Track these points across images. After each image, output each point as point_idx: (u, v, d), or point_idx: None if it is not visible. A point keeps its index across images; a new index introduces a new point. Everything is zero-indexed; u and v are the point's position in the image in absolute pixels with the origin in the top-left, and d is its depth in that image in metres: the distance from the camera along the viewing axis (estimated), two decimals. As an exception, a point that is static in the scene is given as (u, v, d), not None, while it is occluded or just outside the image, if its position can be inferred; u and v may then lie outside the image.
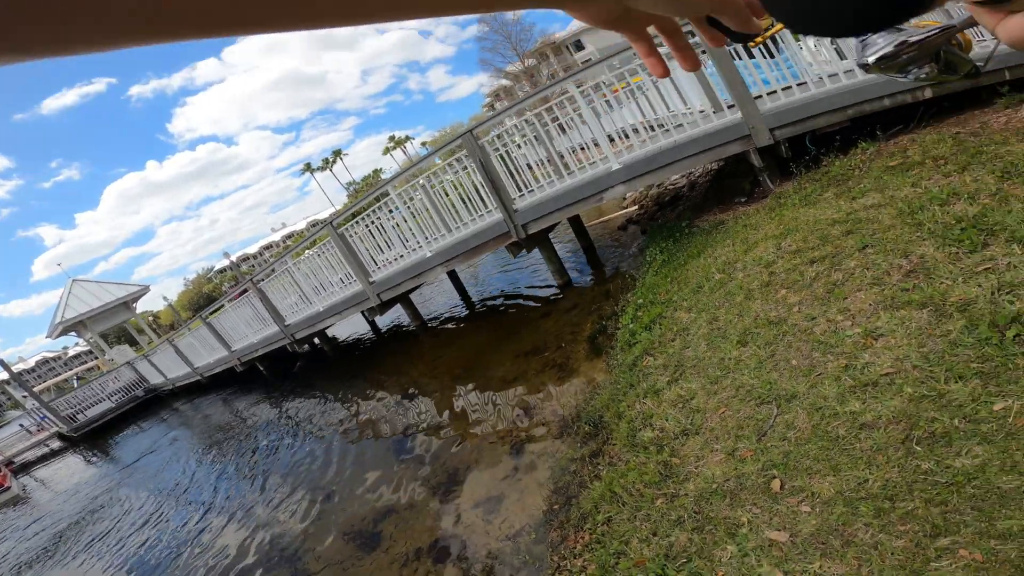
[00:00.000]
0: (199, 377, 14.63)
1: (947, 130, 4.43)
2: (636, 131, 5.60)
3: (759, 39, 0.82)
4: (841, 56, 5.37)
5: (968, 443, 1.73)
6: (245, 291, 10.41)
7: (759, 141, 4.78)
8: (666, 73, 0.48)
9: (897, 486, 1.72)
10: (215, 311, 11.86)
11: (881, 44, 0.54)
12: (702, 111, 5.37)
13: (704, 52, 4.93)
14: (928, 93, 4.62)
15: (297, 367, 11.93)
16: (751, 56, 5.15)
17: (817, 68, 5.12)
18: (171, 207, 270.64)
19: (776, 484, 2.02)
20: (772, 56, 5.26)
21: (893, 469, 1.78)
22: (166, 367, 16.67)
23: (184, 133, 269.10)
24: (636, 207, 8.96)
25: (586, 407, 3.97)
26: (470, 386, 5.83)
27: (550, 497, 3.22)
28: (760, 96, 4.81)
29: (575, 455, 3.45)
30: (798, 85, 4.84)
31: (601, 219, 10.07)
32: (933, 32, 0.52)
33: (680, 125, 5.29)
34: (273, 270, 9.62)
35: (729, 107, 4.98)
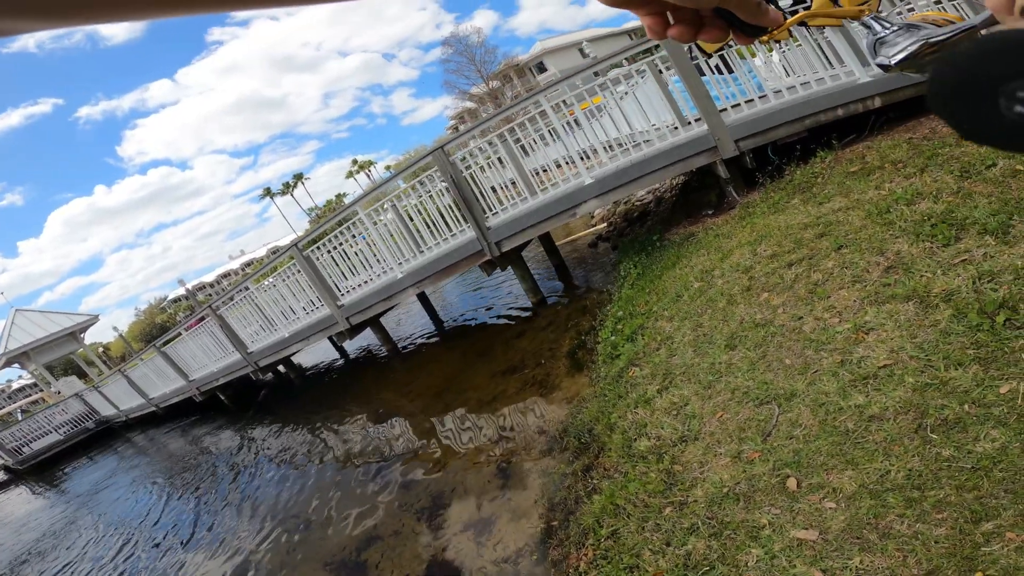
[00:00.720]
0: (154, 408, 14.03)
1: (900, 136, 4.65)
2: (606, 148, 5.67)
3: (774, 33, 0.77)
4: (788, 72, 5.64)
5: (983, 427, 1.72)
6: (203, 318, 9.98)
7: (725, 152, 4.90)
8: (694, 37, 0.44)
9: (922, 475, 1.69)
10: (171, 340, 11.38)
11: (903, 44, 0.52)
12: (669, 126, 5.49)
13: (669, 68, 5.07)
14: (878, 102, 4.86)
15: (262, 396, 11.47)
16: (714, 72, 5.33)
17: (772, 83, 5.33)
18: (121, 234, 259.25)
19: (792, 483, 1.97)
20: (730, 71, 5.46)
21: (913, 458, 1.76)
22: (118, 398, 15.98)
23: (135, 157, 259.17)
24: (605, 224, 9.06)
25: (573, 422, 3.87)
26: (448, 408, 5.65)
27: (546, 514, 3.08)
28: (724, 109, 4.96)
29: (567, 470, 3.33)
30: (759, 97, 5.02)
31: (571, 238, 10.14)
32: (955, 32, 0.50)
33: (648, 140, 5.38)
34: (232, 297, 9.22)
35: (695, 120, 5.10)
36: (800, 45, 5.37)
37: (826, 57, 5.26)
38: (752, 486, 2.09)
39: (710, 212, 5.66)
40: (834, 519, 1.73)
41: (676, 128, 5.28)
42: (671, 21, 0.42)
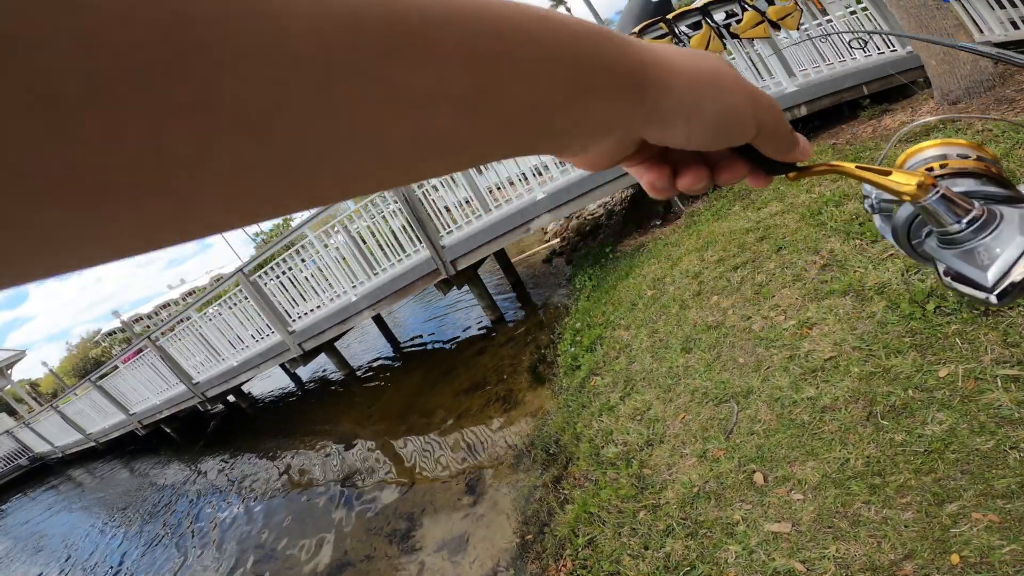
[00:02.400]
0: (94, 443, 13.35)
1: (825, 142, 4.99)
2: (558, 163, 5.79)
3: (796, 173, 0.34)
4: None
5: (929, 411, 1.85)
6: (141, 350, 9.45)
7: (670, 163, 5.10)
8: (710, 183, 0.35)
9: (880, 461, 1.80)
10: (106, 373, 10.82)
11: (1012, 260, 0.34)
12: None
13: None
14: (804, 110, 5.20)
15: (212, 427, 10.96)
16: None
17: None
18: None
19: (759, 477, 2.05)
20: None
21: (869, 445, 1.87)
22: (52, 435, 15.12)
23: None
24: (559, 239, 9.19)
25: (539, 434, 3.89)
26: (412, 429, 5.55)
27: (520, 528, 3.06)
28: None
29: (538, 482, 3.33)
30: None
31: (526, 254, 10.22)
32: None
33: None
34: (174, 327, 8.78)
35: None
36: (734, 59, 5.69)
37: (757, 70, 5.60)
38: (721, 484, 2.16)
39: (658, 223, 5.87)
40: (804, 510, 1.81)
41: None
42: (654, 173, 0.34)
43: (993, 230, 0.34)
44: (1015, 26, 4.95)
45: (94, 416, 12.35)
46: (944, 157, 0.39)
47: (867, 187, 0.45)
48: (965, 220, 0.35)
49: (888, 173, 0.35)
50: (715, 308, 3.55)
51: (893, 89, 5.23)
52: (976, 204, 0.35)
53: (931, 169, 0.39)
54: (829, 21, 6.13)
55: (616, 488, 2.59)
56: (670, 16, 5.40)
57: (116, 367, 10.53)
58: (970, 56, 4.00)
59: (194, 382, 8.72)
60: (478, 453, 4.35)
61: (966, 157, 0.39)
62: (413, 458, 4.96)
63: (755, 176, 0.35)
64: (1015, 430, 1.69)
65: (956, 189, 0.36)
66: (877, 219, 0.45)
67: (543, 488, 3.24)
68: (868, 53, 5.73)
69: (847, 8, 6.00)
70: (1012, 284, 0.33)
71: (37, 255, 0.13)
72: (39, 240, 0.13)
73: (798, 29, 5.52)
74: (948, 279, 0.36)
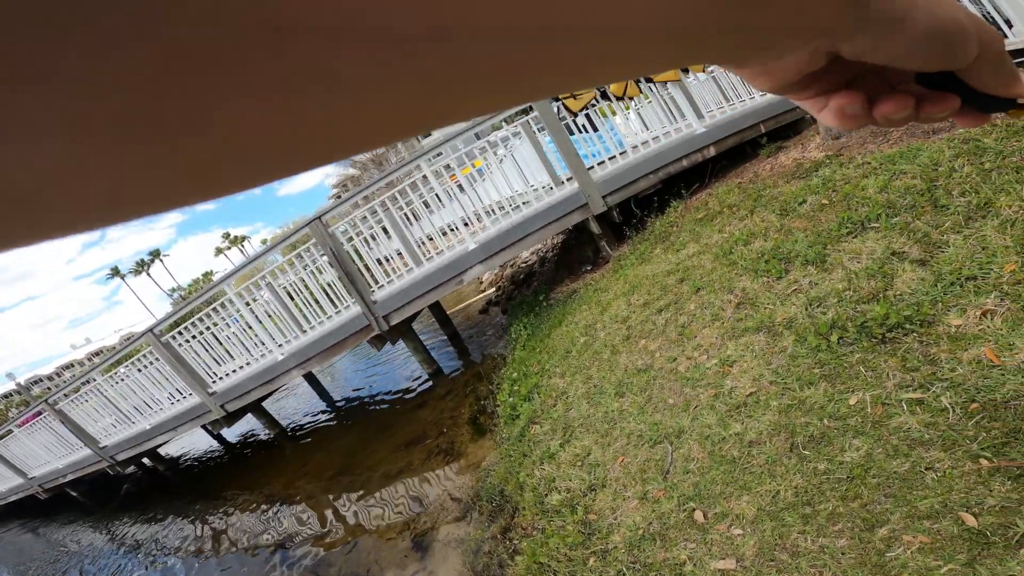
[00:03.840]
0: None
1: (732, 181, 5.41)
2: (488, 212, 5.93)
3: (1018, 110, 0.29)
4: (646, 126, 6.37)
5: (845, 438, 2.00)
6: (40, 413, 8.76)
7: (595, 208, 5.36)
8: (916, 114, 0.30)
9: (808, 491, 1.91)
10: (1, 437, 10.11)
11: None
12: (545, 186, 5.90)
13: (543, 129, 5.50)
14: (712, 151, 5.64)
15: (124, 490, 10.28)
16: (581, 131, 5.88)
17: (631, 138, 6.00)
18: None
19: (699, 515, 2.12)
20: (595, 129, 6.06)
21: (795, 476, 1.99)
22: None
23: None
24: (494, 289, 9.29)
25: (483, 485, 3.82)
26: (351, 487, 5.30)
27: (471, 587, 2.95)
28: (592, 167, 5.46)
29: (485, 534, 3.26)
30: (620, 154, 5.61)
31: (462, 305, 10.22)
32: None
33: (527, 202, 5.71)
34: (78, 389, 8.03)
35: (567, 179, 5.55)
36: (651, 102, 6.12)
37: (671, 112, 6.04)
38: (664, 524, 2.21)
39: (588, 268, 6.09)
40: (746, 545, 1.88)
41: (551, 188, 5.68)
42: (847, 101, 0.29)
43: None
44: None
45: (-13, 480, 11.19)
46: None
47: None
48: None
49: None
50: (643, 351, 3.69)
51: (787, 126, 5.65)
52: None
53: None
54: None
55: (563, 536, 2.58)
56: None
57: (10, 431, 9.92)
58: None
59: (101, 446, 8.07)
60: (423, 507, 4.21)
61: None
62: (355, 516, 4.75)
63: (966, 113, 0.30)
64: (927, 451, 1.78)
65: None
66: None
67: (492, 540, 3.17)
68: (763, 92, 6.33)
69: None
70: None
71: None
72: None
73: (703, 71, 5.99)
74: None
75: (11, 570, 9.36)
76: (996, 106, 0.30)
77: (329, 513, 5.08)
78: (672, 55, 0.19)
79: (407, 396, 6.99)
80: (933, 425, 1.85)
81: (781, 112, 5.61)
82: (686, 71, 5.74)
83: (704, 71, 6.11)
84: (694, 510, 2.17)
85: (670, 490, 2.38)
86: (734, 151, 5.84)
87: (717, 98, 6.51)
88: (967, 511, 1.55)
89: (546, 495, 3.03)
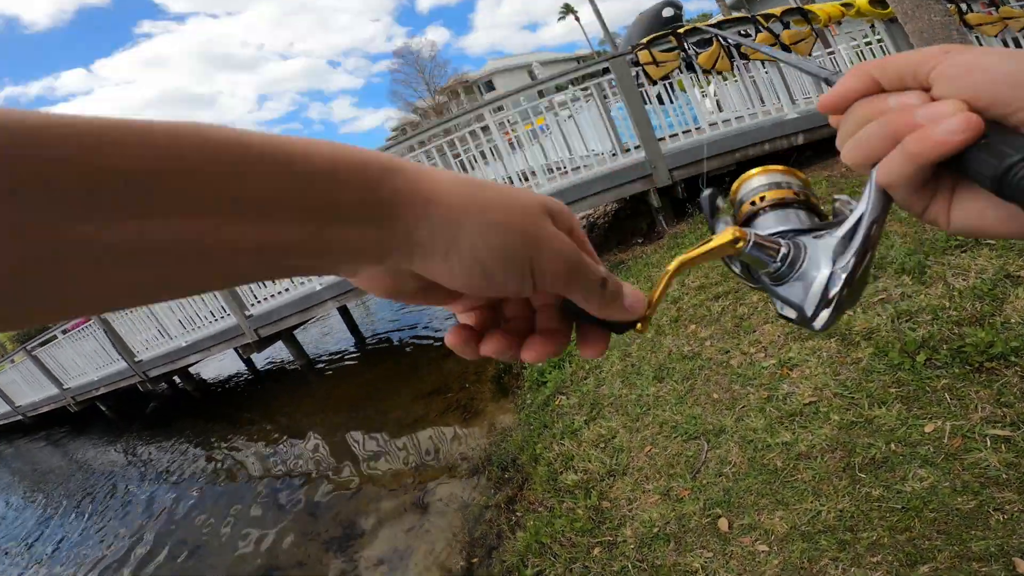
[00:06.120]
0: (21, 417, 12.59)
1: (818, 173, 4.92)
2: (545, 171, 5.66)
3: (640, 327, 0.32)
4: (720, 108, 5.90)
5: (910, 467, 1.71)
6: (88, 319, 8.92)
7: (659, 181, 4.99)
8: (517, 354, 0.31)
9: (853, 516, 1.66)
10: (46, 342, 10.07)
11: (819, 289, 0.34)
12: (608, 152, 5.56)
13: (615, 94, 5.13)
14: (801, 139, 5.13)
15: (151, 408, 10.46)
16: (654, 101, 5.48)
17: (713, 115, 5.55)
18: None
19: (724, 523, 1.88)
20: (672, 101, 5.63)
21: (843, 499, 1.72)
22: None
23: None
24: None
25: (496, 450, 3.68)
26: (366, 427, 5.30)
27: (466, 549, 2.85)
28: (663, 138, 5.07)
29: (490, 502, 3.13)
30: (695, 129, 5.19)
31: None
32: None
33: (587, 165, 5.40)
34: None
35: (634, 148, 5.18)
36: (737, 80, 5.63)
37: (759, 92, 5.53)
38: (682, 526, 1.99)
39: (640, 240, 5.74)
40: (768, 564, 1.65)
41: (615, 154, 5.34)
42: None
43: (800, 265, 0.34)
44: None
45: (25, 388, 11.74)
46: (764, 188, 0.39)
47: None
48: (778, 259, 0.35)
49: (709, 240, 0.35)
50: (692, 337, 3.40)
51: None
52: (783, 242, 0.35)
53: (754, 203, 0.39)
54: (831, 54, 6.08)
55: (572, 519, 2.41)
56: (681, 31, 5.31)
57: (55, 337, 9.87)
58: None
59: (136, 360, 8.27)
60: (432, 463, 4.13)
61: (779, 185, 0.39)
62: (363, 459, 4.73)
63: (586, 339, 0.31)
64: (1000, 491, 1.58)
65: (765, 230, 0.37)
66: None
67: (495, 509, 3.04)
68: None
69: (859, 40, 5.95)
70: (820, 304, 0.33)
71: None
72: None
73: (810, 55, 5.45)
74: (781, 311, 0.36)
75: (28, 482, 9.59)
76: (618, 327, 0.32)
77: (338, 453, 5.09)
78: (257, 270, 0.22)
79: (436, 344, 6.94)
80: (1015, 466, 1.62)
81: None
82: (746, 57, 5.21)
83: (810, 54, 5.50)
84: (719, 517, 1.93)
85: (697, 491, 2.14)
86: (824, 143, 5.32)
87: (819, 86, 5.90)
88: (1022, 557, 1.38)
89: (561, 472, 2.85)
